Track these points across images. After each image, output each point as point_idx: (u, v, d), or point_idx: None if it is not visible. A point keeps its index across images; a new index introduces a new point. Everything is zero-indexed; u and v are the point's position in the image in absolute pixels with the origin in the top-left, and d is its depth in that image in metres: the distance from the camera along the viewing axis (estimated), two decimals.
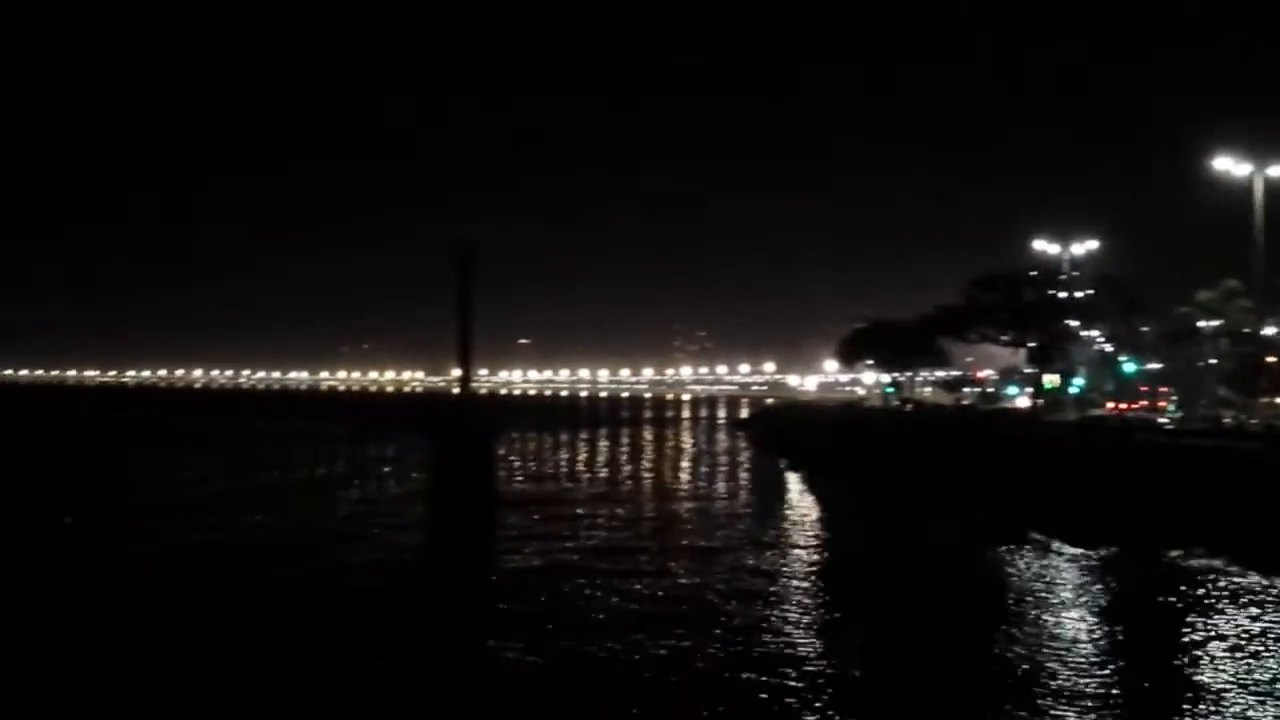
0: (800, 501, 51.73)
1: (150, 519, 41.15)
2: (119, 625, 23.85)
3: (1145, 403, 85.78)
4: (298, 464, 69.23)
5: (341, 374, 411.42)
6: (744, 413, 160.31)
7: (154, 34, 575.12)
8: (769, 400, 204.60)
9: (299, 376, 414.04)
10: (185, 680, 19.74)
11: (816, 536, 39.28)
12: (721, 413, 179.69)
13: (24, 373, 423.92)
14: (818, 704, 18.34)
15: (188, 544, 35.29)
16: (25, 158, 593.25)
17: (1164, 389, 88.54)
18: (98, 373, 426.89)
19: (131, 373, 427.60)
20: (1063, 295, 79.08)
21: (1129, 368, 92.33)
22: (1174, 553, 31.67)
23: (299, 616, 25.21)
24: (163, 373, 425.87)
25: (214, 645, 22.12)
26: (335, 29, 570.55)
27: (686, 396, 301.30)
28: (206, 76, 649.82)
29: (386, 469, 68.12)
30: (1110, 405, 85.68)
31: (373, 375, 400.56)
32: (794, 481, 60.36)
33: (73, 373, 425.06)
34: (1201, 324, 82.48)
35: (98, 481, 56.65)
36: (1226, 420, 64.71)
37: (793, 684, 19.33)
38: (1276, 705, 18.28)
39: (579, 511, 44.58)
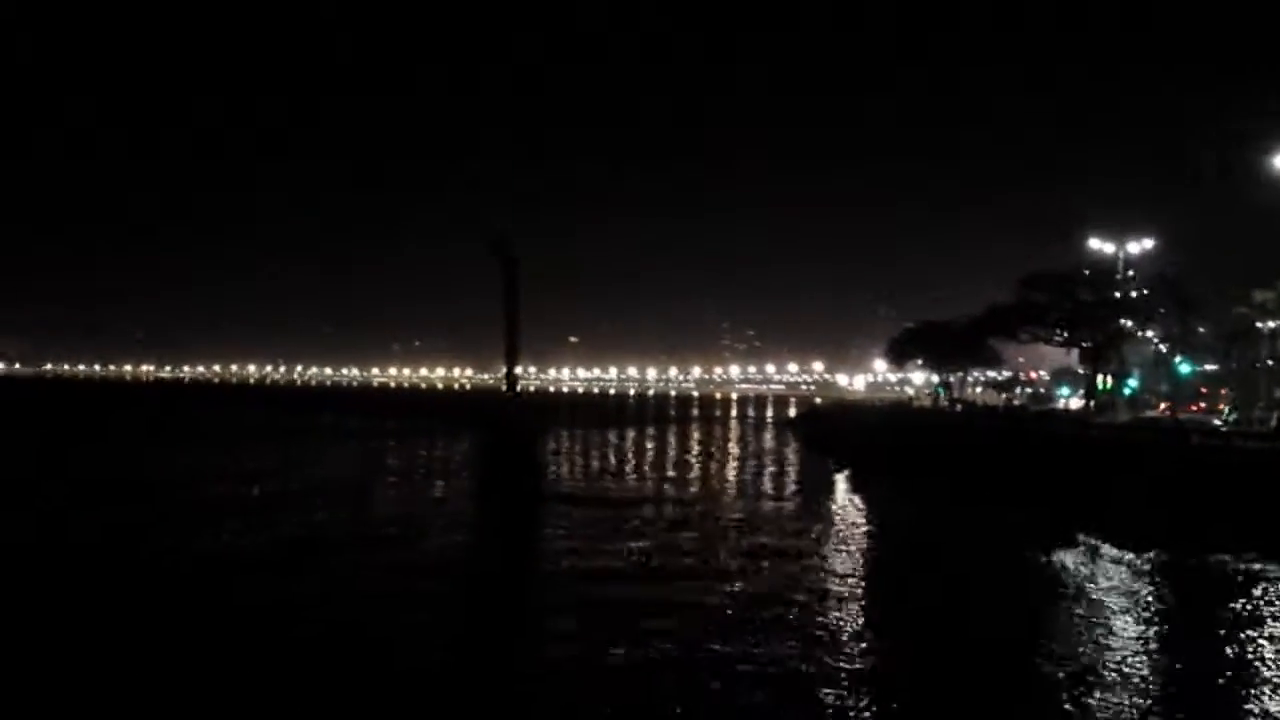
0: (848, 502, 51.75)
1: (207, 518, 42.15)
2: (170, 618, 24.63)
3: (1202, 405, 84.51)
4: (351, 461, 70.29)
5: (392, 371, 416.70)
6: (792, 412, 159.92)
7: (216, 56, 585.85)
8: (817, 400, 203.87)
9: (351, 373, 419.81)
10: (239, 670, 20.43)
11: (863, 538, 39.32)
12: (769, 412, 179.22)
13: (86, 369, 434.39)
14: (855, 707, 18.57)
15: (234, 544, 36.25)
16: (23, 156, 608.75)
17: (1222, 391, 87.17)
18: (152, 368, 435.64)
19: (186, 368, 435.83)
20: (1117, 295, 78.07)
21: (1184, 369, 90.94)
22: (1224, 557, 31.40)
23: (350, 616, 25.81)
24: (216, 368, 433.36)
25: (272, 640, 22.83)
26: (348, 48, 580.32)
27: (734, 396, 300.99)
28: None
29: (435, 466, 68.89)
30: (1162, 406, 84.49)
31: (423, 372, 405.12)
32: (842, 481, 60.35)
33: (128, 368, 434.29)
34: (1259, 325, 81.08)
35: (160, 479, 57.80)
36: None
37: (830, 689, 19.56)
38: None
39: (627, 512, 44.79)
